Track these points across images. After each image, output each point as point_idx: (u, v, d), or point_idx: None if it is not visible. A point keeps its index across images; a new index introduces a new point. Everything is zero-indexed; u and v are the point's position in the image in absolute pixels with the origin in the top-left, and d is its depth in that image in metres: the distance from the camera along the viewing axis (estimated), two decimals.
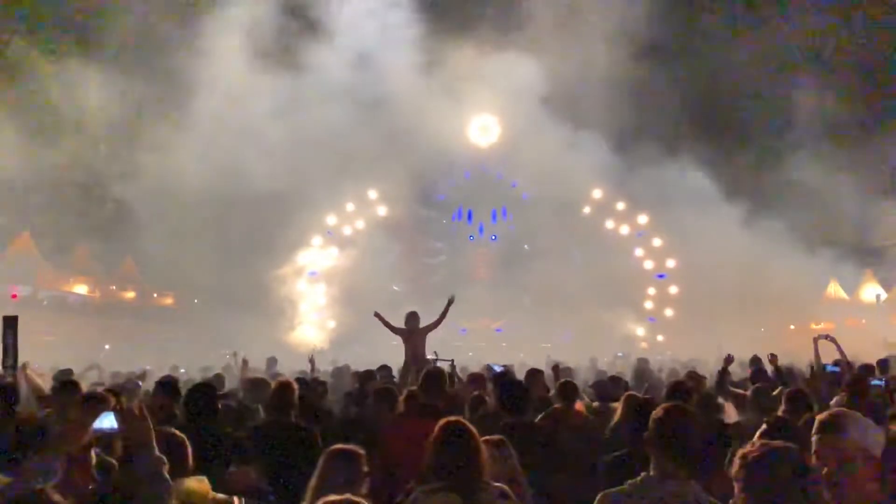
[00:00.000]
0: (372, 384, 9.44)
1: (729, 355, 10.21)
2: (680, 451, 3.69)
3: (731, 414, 7.99)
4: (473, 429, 4.03)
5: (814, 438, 3.17)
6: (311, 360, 11.77)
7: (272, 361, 15.82)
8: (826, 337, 10.28)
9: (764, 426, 5.25)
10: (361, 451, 4.19)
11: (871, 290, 34.50)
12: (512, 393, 6.69)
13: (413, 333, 11.08)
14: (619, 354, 22.15)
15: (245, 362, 11.84)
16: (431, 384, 6.08)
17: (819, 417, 3.28)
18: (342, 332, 37.02)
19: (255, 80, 34.11)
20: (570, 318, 39.56)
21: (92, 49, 36.45)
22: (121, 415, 3.22)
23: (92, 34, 37.04)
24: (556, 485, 5.49)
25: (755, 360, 13.13)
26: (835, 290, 36.38)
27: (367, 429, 6.34)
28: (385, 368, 10.77)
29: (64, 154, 34.58)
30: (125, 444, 3.34)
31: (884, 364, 11.85)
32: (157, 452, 3.16)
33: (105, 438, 3.28)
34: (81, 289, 35.71)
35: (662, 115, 43.10)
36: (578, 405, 8.36)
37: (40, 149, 34.28)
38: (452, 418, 4.13)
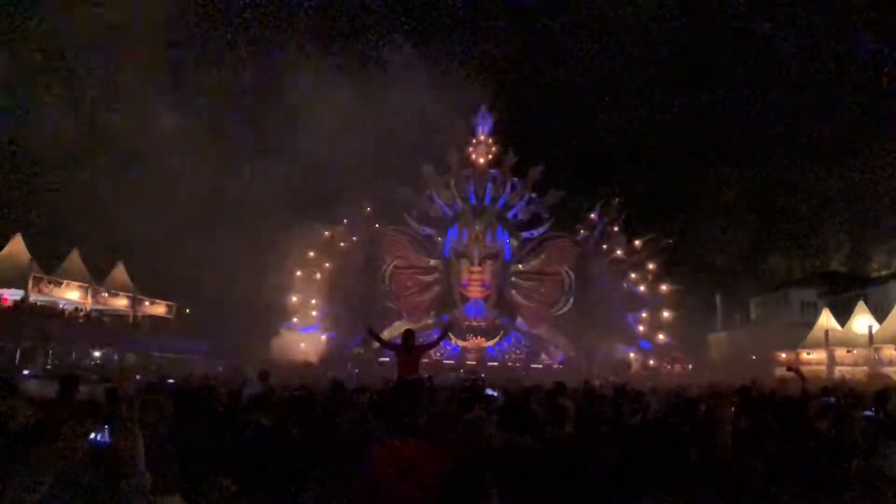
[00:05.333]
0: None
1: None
2: None
3: None
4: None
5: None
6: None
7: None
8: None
9: None
10: None
11: (863, 322, 34.47)
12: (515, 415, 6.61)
13: (408, 352, 10.98)
14: (610, 379, 22.15)
15: None
16: (411, 399, 5.79)
17: None
18: (335, 348, 37.01)
19: (254, 95, 34.26)
20: (562, 339, 39.61)
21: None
22: (114, 428, 3.18)
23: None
24: None
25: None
26: (826, 319, 36.39)
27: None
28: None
29: (58, 156, 34.71)
30: (114, 459, 3.26)
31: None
32: (143, 470, 3.11)
33: (96, 452, 3.22)
34: (73, 295, 35.50)
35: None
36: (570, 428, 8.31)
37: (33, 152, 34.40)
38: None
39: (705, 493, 4.25)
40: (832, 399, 9.87)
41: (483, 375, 11.29)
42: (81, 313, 35.55)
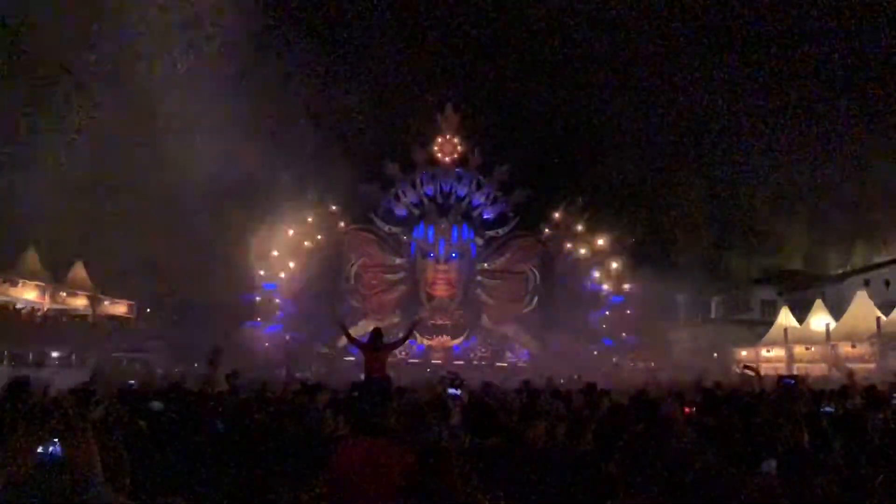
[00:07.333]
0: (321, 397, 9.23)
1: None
2: None
3: None
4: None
5: None
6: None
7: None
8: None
9: None
10: None
11: (820, 320, 35.19)
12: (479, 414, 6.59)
13: (376, 350, 10.95)
14: (575, 377, 22.34)
15: None
16: (378, 399, 5.73)
17: None
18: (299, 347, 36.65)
19: (216, 89, 33.70)
20: (527, 338, 39.80)
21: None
22: (65, 437, 3.04)
23: None
24: None
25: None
26: (785, 318, 37.07)
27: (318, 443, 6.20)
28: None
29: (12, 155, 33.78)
30: (70, 473, 3.11)
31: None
32: (102, 484, 2.98)
33: (48, 465, 3.08)
34: (30, 294, 34.69)
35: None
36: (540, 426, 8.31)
37: None
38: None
39: (670, 494, 4.24)
40: (793, 381, 10.09)
41: (458, 375, 11.28)
42: (39, 313, 34.76)
